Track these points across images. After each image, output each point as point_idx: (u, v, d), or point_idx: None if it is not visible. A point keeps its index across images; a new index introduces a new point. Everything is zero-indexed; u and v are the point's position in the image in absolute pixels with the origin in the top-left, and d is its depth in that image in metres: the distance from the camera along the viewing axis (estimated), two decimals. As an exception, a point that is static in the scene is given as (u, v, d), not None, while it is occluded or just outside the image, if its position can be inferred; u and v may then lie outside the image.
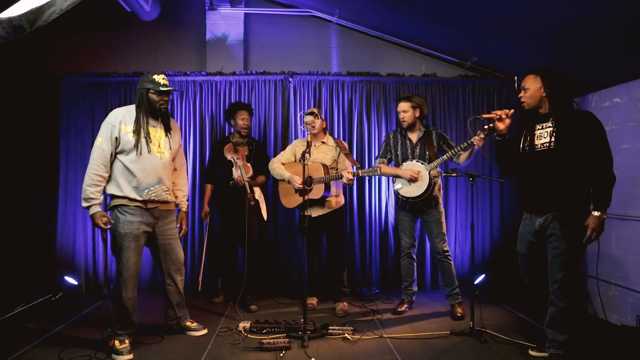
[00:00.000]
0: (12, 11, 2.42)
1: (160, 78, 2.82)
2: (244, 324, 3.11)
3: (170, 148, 2.93)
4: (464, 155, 3.34)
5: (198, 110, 4.32)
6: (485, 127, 2.92)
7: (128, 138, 2.75)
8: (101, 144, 2.73)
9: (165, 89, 2.82)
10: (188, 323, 3.09)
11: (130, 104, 2.96)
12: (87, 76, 4.26)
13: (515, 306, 3.71)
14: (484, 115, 2.81)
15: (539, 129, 2.58)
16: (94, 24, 4.46)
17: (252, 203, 3.50)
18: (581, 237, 2.42)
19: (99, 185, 2.72)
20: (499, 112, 2.69)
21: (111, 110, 2.92)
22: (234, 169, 3.54)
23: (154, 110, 2.84)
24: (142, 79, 2.85)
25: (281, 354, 2.72)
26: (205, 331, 3.09)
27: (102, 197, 2.75)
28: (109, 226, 2.72)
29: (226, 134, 4.29)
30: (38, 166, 4.23)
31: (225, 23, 4.47)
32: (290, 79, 4.36)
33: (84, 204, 2.70)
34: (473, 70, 4.50)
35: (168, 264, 2.97)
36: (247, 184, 3.48)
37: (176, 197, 3.08)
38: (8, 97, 4.04)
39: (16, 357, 2.68)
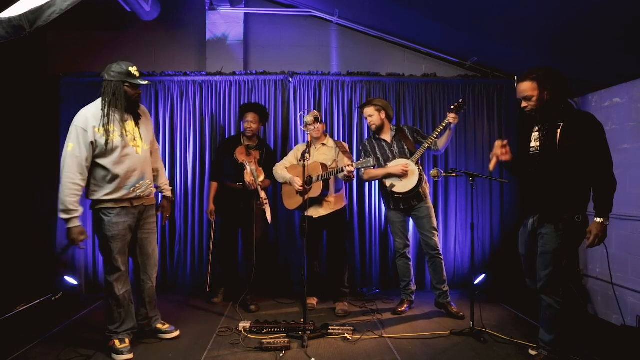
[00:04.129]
0: (12, 11, 2.41)
1: (135, 70, 2.66)
2: (244, 324, 3.11)
3: (146, 139, 2.81)
4: (441, 140, 3.43)
5: (198, 111, 4.32)
6: (452, 107, 3.28)
7: (104, 140, 2.59)
8: (73, 151, 2.53)
9: (144, 82, 2.67)
10: (159, 325, 2.99)
11: None
12: (87, 76, 4.26)
13: (515, 306, 3.71)
14: (491, 166, 2.62)
15: (535, 131, 2.53)
16: (94, 24, 4.45)
17: (263, 207, 3.51)
18: (570, 238, 2.38)
19: (77, 195, 2.55)
20: (497, 152, 2.57)
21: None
22: (245, 172, 3.52)
23: (131, 104, 2.69)
24: (112, 67, 2.62)
25: (281, 354, 2.72)
26: (177, 333, 3.00)
27: (81, 209, 2.60)
28: (83, 246, 2.65)
29: (226, 135, 4.30)
30: (38, 166, 4.22)
31: (225, 23, 4.47)
32: (290, 79, 4.36)
33: (63, 216, 2.52)
34: (473, 70, 4.50)
35: (144, 258, 2.89)
36: (259, 188, 3.49)
37: (161, 184, 3.04)
38: (8, 98, 4.03)
39: (16, 357, 2.68)
